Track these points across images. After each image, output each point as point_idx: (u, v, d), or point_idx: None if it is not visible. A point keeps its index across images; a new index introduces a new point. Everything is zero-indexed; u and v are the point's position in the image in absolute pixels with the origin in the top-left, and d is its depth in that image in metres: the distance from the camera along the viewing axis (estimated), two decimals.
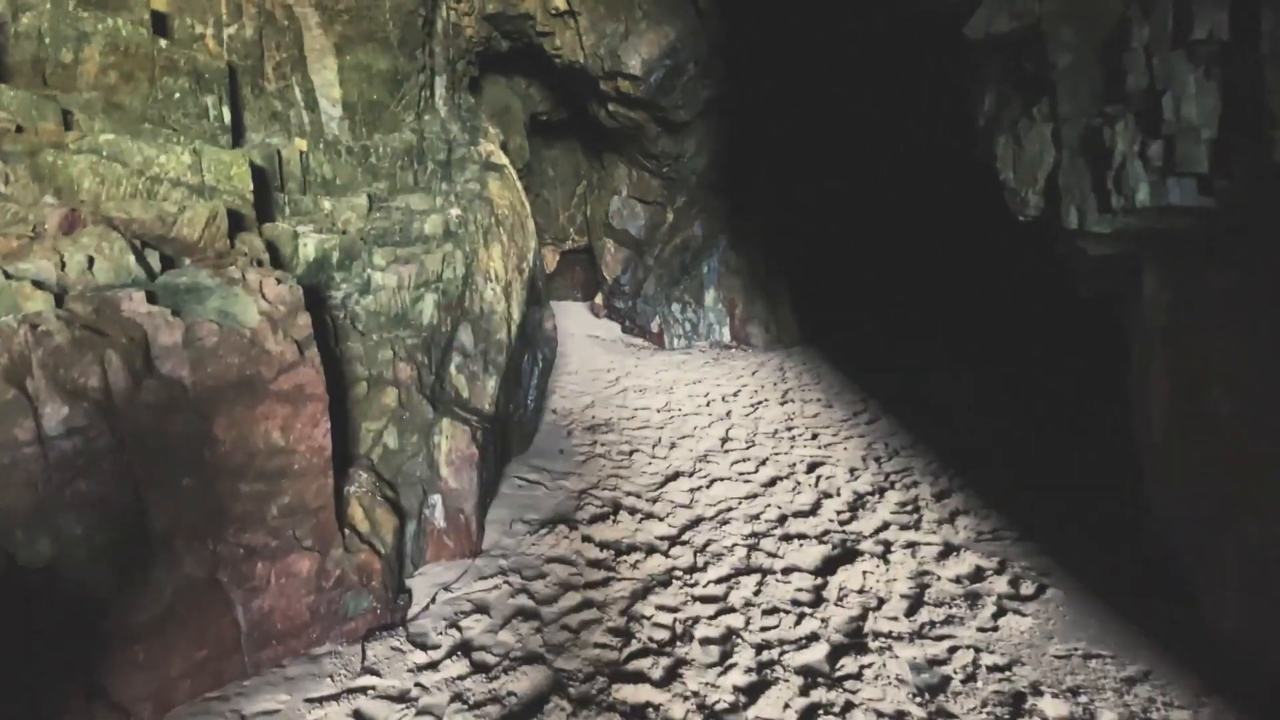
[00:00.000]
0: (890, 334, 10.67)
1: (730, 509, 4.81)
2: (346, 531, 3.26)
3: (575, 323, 11.54)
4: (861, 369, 9.07)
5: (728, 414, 7.13)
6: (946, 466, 5.68)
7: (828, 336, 11.01)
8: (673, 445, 6.10)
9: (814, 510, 4.81)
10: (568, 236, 10.97)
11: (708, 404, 7.53)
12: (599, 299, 11.29)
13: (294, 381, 3.01)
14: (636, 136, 8.91)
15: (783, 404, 7.56)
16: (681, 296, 10.79)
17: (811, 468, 5.64)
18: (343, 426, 3.62)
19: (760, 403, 7.59)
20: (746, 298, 10.96)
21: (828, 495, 5.08)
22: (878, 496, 5.03)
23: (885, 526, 4.55)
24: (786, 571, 3.93)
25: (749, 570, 3.94)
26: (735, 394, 7.96)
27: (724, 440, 6.34)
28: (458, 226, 4.83)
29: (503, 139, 6.29)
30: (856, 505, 4.90)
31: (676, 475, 5.40)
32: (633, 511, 4.69)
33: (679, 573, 3.87)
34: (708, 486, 5.18)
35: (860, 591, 3.72)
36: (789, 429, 6.69)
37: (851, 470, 5.60)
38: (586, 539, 4.23)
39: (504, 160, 5.62)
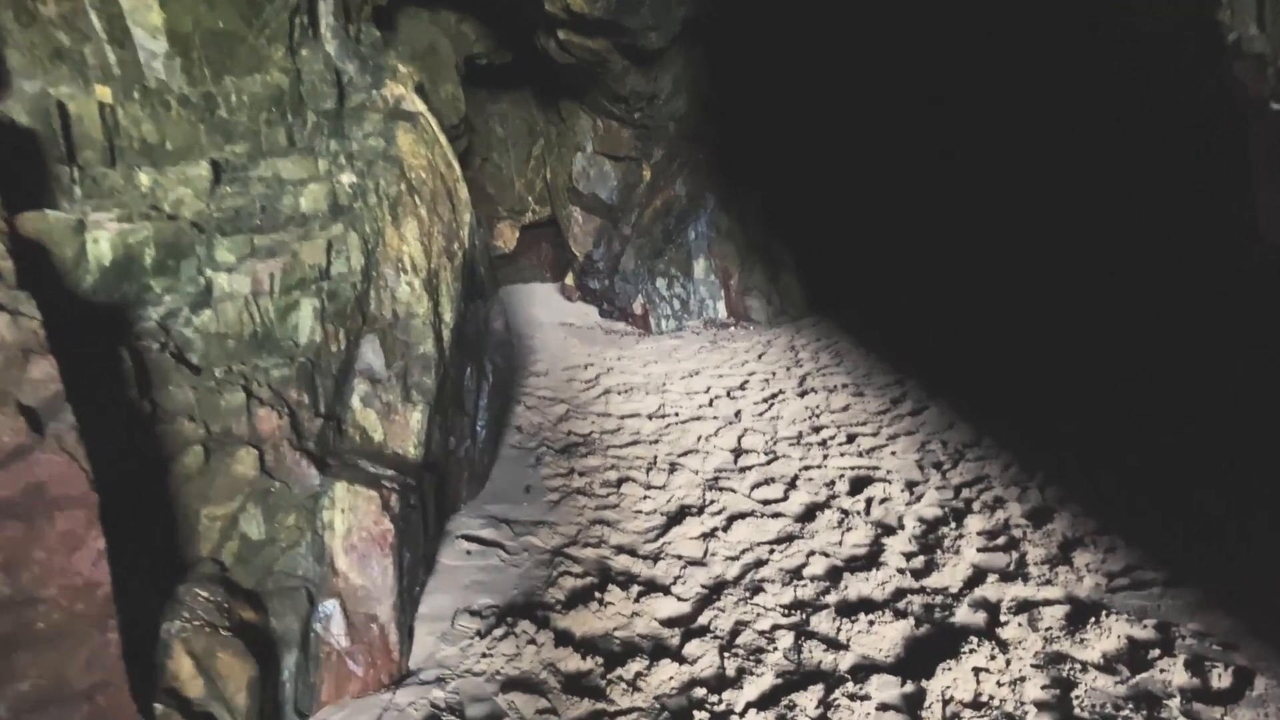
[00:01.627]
0: (916, 297, 9.54)
1: (760, 563, 3.69)
2: (160, 707, 2.11)
3: (544, 309, 10.34)
4: (889, 342, 7.95)
5: (736, 414, 6.00)
6: (1030, 467, 4.60)
7: (842, 305, 9.88)
8: (673, 467, 4.97)
9: (874, 557, 3.70)
10: (527, 207, 9.73)
11: (710, 402, 6.39)
12: (570, 279, 10.08)
13: (24, 480, 1.84)
14: (599, 75, 7.64)
15: (802, 394, 6.43)
16: (667, 270, 9.61)
17: (857, 486, 4.53)
18: (162, 523, 2.44)
19: (775, 396, 6.46)
20: (743, 266, 9.80)
21: (888, 530, 3.97)
22: (955, 526, 3.92)
23: (979, 577, 3.44)
24: (859, 675, 2.81)
25: (802, 677, 2.82)
26: (742, 386, 6.82)
27: (737, 453, 5.22)
28: (352, 199, 3.63)
29: (424, 85, 5.05)
30: (930, 543, 3.79)
31: (682, 514, 4.26)
32: (627, 581, 3.56)
33: (701, 692, 2.74)
34: (724, 529, 4.05)
35: (977, 706, 2.60)
36: (816, 429, 5.57)
37: (910, 486, 4.49)
38: (562, 639, 3.09)
39: (419, 107, 4.39)
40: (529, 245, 11.00)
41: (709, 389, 6.79)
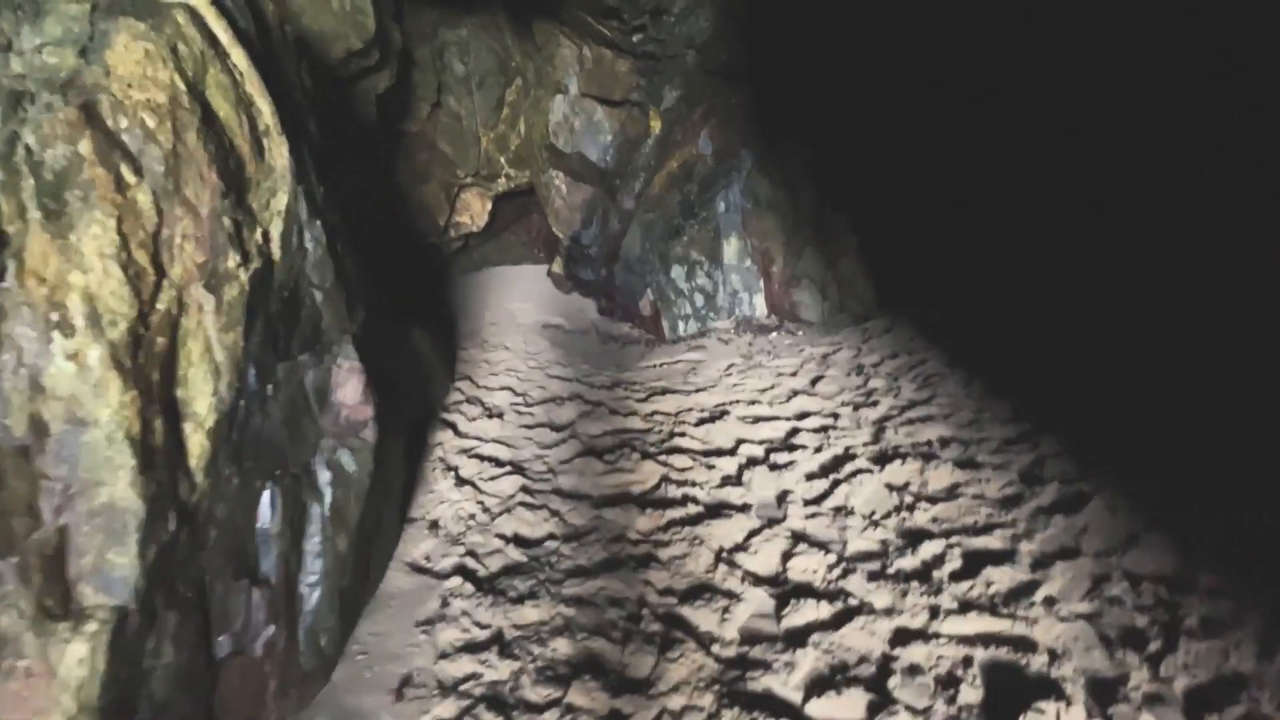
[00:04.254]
0: (1028, 291, 7.48)
1: None
2: None
3: (526, 304, 8.52)
4: (998, 362, 6.01)
5: (780, 500, 4.20)
6: None
7: (922, 300, 7.88)
8: (667, 632, 3.13)
9: None
10: (499, 171, 7.85)
11: (739, 472, 4.58)
12: (558, 265, 8.21)
13: None
14: None
15: (882, 460, 4.56)
16: (686, 254, 7.70)
17: (1003, 700, 2.65)
18: None
19: (840, 462, 4.60)
20: (789, 247, 7.86)
21: None
22: None
23: None
24: None
25: None
26: (789, 440, 4.97)
27: (781, 594, 3.41)
28: None
29: None
30: None
31: None
32: None
33: None
34: None
35: None
36: (910, 539, 3.73)
37: (1101, 697, 2.61)
38: None
39: None
40: (513, 217, 9.16)
41: (738, 445, 4.93)
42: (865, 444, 4.87)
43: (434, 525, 4.10)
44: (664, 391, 6.07)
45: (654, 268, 7.64)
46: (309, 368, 2.79)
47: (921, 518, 3.95)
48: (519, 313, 8.35)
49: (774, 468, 4.60)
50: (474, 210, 8.17)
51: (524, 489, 4.45)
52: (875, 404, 5.54)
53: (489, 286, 9.33)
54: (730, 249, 7.95)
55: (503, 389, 6.20)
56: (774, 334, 7.63)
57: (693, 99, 7.12)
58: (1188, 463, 4.04)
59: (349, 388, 2.98)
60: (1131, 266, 7.07)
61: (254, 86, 2.65)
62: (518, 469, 4.74)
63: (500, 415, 5.62)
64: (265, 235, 2.55)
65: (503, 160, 7.82)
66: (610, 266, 7.67)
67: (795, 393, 5.88)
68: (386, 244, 6.49)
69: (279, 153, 2.69)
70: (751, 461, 4.71)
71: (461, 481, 4.56)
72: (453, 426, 5.42)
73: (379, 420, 3.13)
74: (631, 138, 7.19)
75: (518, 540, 3.92)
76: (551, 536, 3.95)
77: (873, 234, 8.16)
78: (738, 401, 5.75)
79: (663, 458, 4.81)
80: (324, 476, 2.81)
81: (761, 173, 7.82)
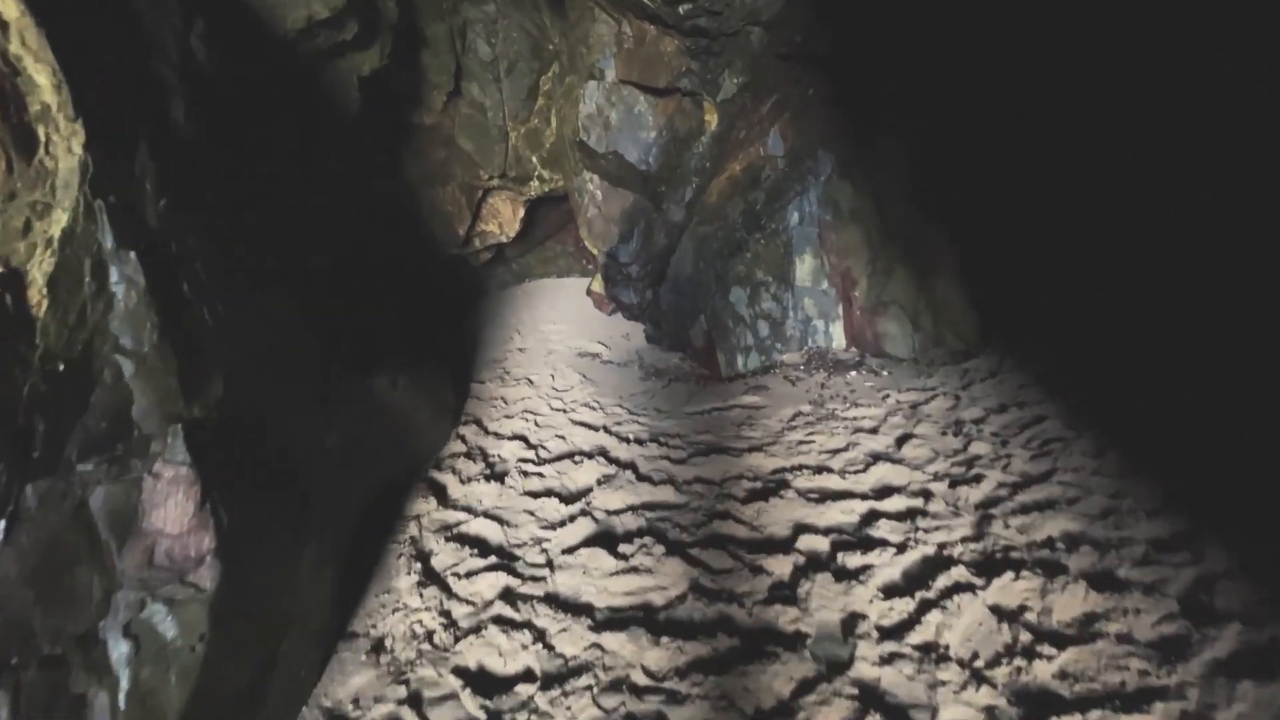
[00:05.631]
0: (1188, 333, 6.21)
1: None
2: None
3: (562, 326, 7.66)
4: (1143, 424, 4.87)
5: (846, 625, 3.20)
6: None
7: (1038, 337, 6.71)
8: None
9: None
10: (531, 173, 6.98)
11: (797, 571, 3.60)
12: (597, 284, 7.31)
13: None
14: None
15: (986, 570, 3.54)
16: (749, 273, 6.72)
17: None
18: None
19: (929, 568, 3.60)
20: (875, 266, 6.81)
21: None
22: None
23: None
24: None
25: None
26: (863, 529, 3.97)
27: None
28: None
29: None
30: None
31: None
32: None
33: None
34: None
35: None
36: (1028, 709, 2.68)
37: None
38: None
39: None
40: (558, 224, 8.31)
41: (796, 535, 3.96)
42: (965, 540, 3.82)
43: (378, 647, 3.21)
44: (710, 450, 5.09)
45: (709, 290, 6.68)
46: (96, 483, 1.91)
47: (1044, 670, 2.89)
48: (553, 337, 7.47)
49: (841, 575, 3.57)
50: (503, 217, 7.33)
51: (507, 593, 3.54)
52: (978, 480, 4.46)
53: (524, 304, 8.51)
54: (803, 268, 6.93)
55: (514, 438, 5.32)
56: (853, 372, 6.57)
57: (759, 88, 6.13)
58: None
59: (170, 508, 2.09)
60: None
61: (28, 45, 1.78)
62: (506, 560, 3.83)
63: (503, 477, 4.73)
64: (10, 276, 1.67)
65: (535, 160, 6.95)
66: (656, 288, 6.74)
67: (875, 458, 4.83)
68: (381, 260, 5.68)
69: (64, 149, 1.82)
70: (812, 563, 3.70)
71: (429, 578, 3.68)
72: (439, 491, 4.56)
73: (228, 551, 2.22)
74: (681, 134, 6.24)
75: (480, 680, 3.00)
76: (527, 676, 3.02)
77: (977, 253, 7.01)
78: (801, 468, 4.73)
79: (695, 551, 3.83)
80: (119, 650, 1.92)
81: (844, 178, 6.79)
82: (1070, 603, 3.22)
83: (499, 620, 3.33)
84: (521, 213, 7.40)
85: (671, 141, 6.27)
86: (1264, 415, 4.65)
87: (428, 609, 3.44)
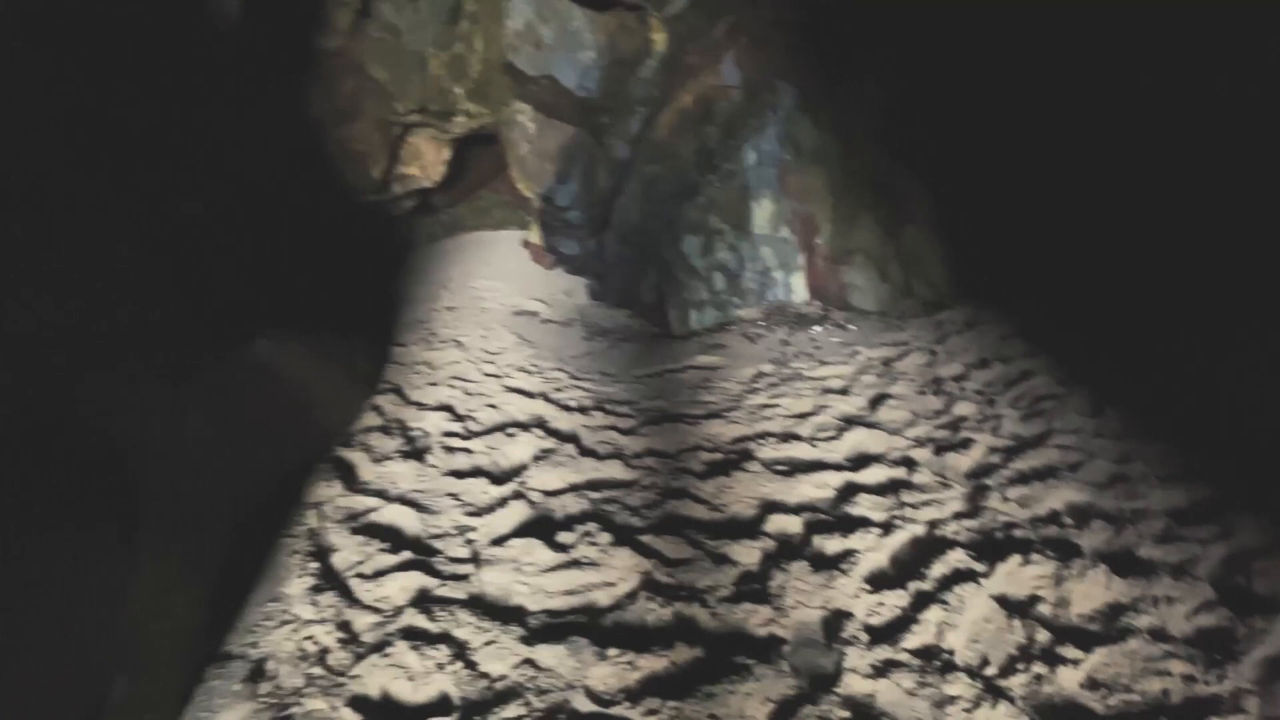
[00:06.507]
0: (1186, 274, 5.83)
1: None
2: None
3: (497, 280, 7.10)
4: (1145, 376, 4.51)
5: (833, 633, 2.78)
6: None
7: (1021, 284, 6.31)
8: None
9: None
10: (455, 106, 6.31)
11: (769, 560, 3.10)
12: (534, 234, 6.71)
13: None
14: None
15: (989, 554, 3.16)
16: (702, 220, 6.20)
17: None
18: None
19: (922, 553, 3.21)
20: (839, 211, 6.35)
21: None
22: None
23: None
24: None
25: None
26: (841, 506, 3.57)
27: None
28: None
29: None
30: None
31: None
32: None
33: None
34: None
35: None
36: None
37: None
38: None
39: None
40: (493, 169, 7.64)
41: (764, 515, 3.48)
42: (959, 516, 3.39)
43: (256, 673, 2.65)
44: (662, 417, 4.60)
45: (658, 239, 6.13)
46: None
47: (1069, 679, 2.45)
48: (486, 294, 6.87)
49: (820, 563, 3.10)
50: (426, 159, 6.67)
51: (422, 597, 2.99)
52: (967, 445, 4.03)
53: (455, 258, 7.88)
54: (761, 213, 6.43)
55: (439, 408, 4.75)
56: (817, 327, 6.11)
57: (712, 6, 5.55)
58: None
59: None
60: None
61: None
62: (422, 555, 3.28)
63: (423, 454, 4.16)
64: None
65: (460, 92, 6.28)
66: (599, 237, 6.18)
67: (849, 422, 4.38)
68: (278, 208, 5.03)
69: None
70: (785, 549, 3.22)
71: (326, 581, 3.11)
72: (347, 473, 3.99)
73: None
74: (624, 56, 5.64)
75: (383, 713, 2.47)
76: (441, 706, 2.49)
77: (948, 199, 6.56)
78: (766, 436, 4.26)
79: (648, 538, 3.32)
80: None
81: (805, 113, 6.27)
82: (1090, 591, 2.79)
83: (410, 633, 2.79)
84: (447, 154, 6.73)
85: (614, 64, 5.66)
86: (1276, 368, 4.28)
87: (322, 621, 2.88)
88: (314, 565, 3.22)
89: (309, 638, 2.79)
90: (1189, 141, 6.11)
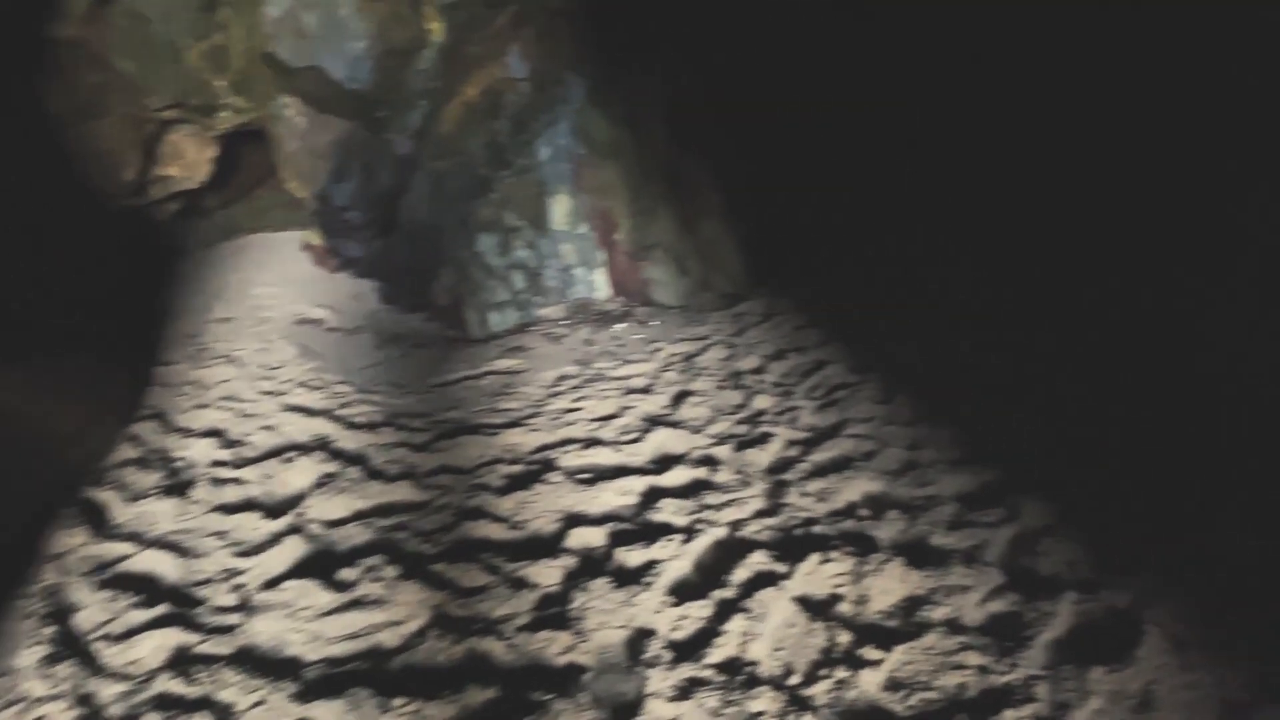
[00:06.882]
0: (974, 256, 6.14)
1: None
2: None
3: (278, 287, 6.61)
4: (931, 358, 4.72)
5: (635, 654, 2.67)
6: None
7: (814, 270, 6.50)
8: None
9: None
10: (218, 101, 5.80)
11: (569, 600, 2.97)
12: (315, 235, 6.29)
13: None
14: None
15: (789, 553, 3.18)
16: (497, 217, 6.01)
17: None
18: None
19: (724, 557, 3.18)
20: (637, 206, 6.32)
21: None
22: None
23: None
24: None
25: None
26: (644, 513, 3.50)
27: None
28: None
29: None
30: None
31: None
32: None
33: None
34: None
35: None
36: None
37: None
38: None
39: None
40: (265, 168, 7.09)
41: (566, 529, 3.36)
42: (759, 515, 3.38)
43: None
44: (459, 430, 4.38)
45: (452, 238, 5.89)
46: None
47: (871, 681, 2.45)
48: (265, 302, 6.37)
49: (622, 578, 2.99)
50: (188, 158, 6.10)
51: (180, 656, 2.66)
52: (766, 439, 4.06)
53: (230, 264, 7.28)
54: (559, 209, 6.31)
55: (207, 434, 4.32)
56: (620, 324, 6.06)
57: None
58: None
59: None
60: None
61: None
62: (182, 607, 2.93)
63: (186, 489, 3.76)
64: None
65: (222, 84, 5.76)
66: (387, 237, 5.84)
67: (652, 422, 4.33)
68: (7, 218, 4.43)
69: None
70: (587, 565, 3.10)
71: (66, 647, 2.72)
72: (95, 516, 3.54)
73: None
74: (398, 46, 5.34)
75: None
76: None
77: (743, 190, 6.67)
78: (570, 442, 4.14)
79: (440, 567, 3.12)
80: None
81: (597, 107, 6.19)
82: (888, 586, 2.82)
83: (164, 701, 2.46)
84: (212, 152, 6.17)
85: (387, 54, 5.34)
86: (1051, 349, 4.56)
87: (58, 697, 2.50)
88: (51, 630, 2.80)
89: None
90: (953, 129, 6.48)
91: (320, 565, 3.15)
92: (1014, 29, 5.94)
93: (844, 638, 2.58)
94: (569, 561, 3.10)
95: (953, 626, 2.59)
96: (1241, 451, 3.17)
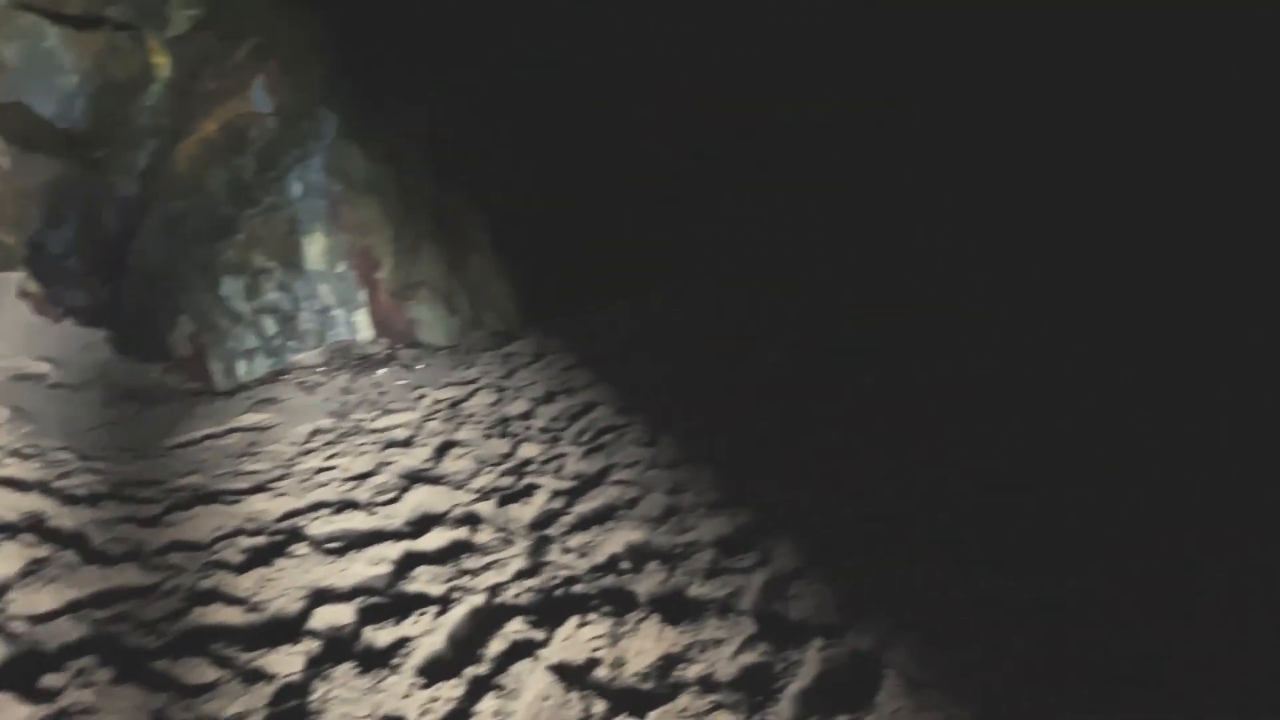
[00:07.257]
0: (714, 280, 6.40)
1: None
2: None
3: None
4: (698, 395, 4.91)
5: None
6: None
7: (586, 306, 6.57)
8: None
9: None
10: None
11: (310, 691, 2.76)
12: (30, 282, 5.67)
13: None
14: None
15: (548, 619, 3.15)
16: (244, 259, 5.68)
17: None
18: None
19: (480, 628, 3.12)
20: (399, 242, 6.16)
21: None
22: None
23: None
24: None
25: None
26: (398, 584, 3.38)
27: None
28: None
29: None
30: None
31: None
32: None
33: None
34: None
35: None
36: None
37: None
38: None
39: None
40: None
41: (311, 609, 3.17)
42: (520, 576, 3.34)
43: None
44: (196, 498, 4.05)
45: (191, 283, 5.47)
46: None
47: None
48: None
49: (369, 661, 2.85)
50: None
51: None
52: (530, 491, 4.03)
53: None
54: (315, 248, 6.03)
55: None
56: (383, 369, 5.86)
57: (228, 27, 5.04)
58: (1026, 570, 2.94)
59: None
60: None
61: None
62: None
63: None
64: None
65: None
66: (116, 283, 5.35)
67: (411, 479, 4.20)
68: None
69: None
70: (332, 648, 2.93)
71: None
72: None
73: None
74: (118, 81, 4.90)
75: None
76: None
77: (513, 225, 6.63)
78: (320, 506, 3.93)
79: (163, 664, 2.84)
80: None
81: (353, 141, 5.97)
82: (644, 646, 2.84)
83: None
84: None
85: (105, 90, 4.88)
86: (804, 377, 4.81)
87: None
88: None
89: None
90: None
91: (20, 672, 2.78)
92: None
93: (599, 707, 2.57)
94: (312, 645, 2.91)
95: (705, 684, 2.63)
96: (980, 484, 3.46)
